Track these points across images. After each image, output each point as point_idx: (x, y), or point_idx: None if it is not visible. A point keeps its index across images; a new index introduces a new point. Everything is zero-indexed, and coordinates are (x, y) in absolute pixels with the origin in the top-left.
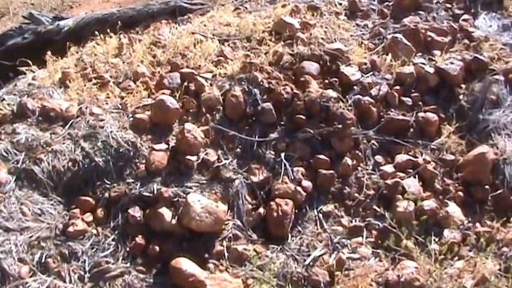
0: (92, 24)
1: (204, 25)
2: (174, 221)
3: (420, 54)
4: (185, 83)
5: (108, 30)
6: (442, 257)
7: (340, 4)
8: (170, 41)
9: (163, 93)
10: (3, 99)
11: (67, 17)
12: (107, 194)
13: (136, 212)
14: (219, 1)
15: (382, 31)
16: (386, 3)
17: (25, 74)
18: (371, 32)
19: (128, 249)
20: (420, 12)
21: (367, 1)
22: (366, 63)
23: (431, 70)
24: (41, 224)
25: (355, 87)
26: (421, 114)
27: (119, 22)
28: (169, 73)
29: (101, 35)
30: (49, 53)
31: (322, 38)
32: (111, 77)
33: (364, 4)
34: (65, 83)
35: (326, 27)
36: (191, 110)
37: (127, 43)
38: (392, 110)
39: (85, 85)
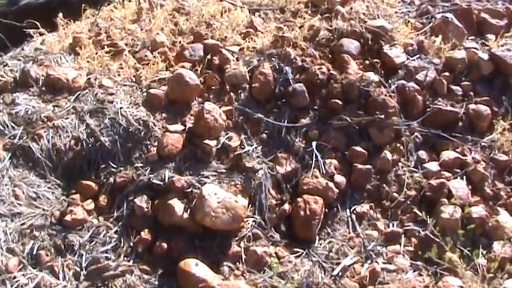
0: None
1: None
2: (186, 215)
3: (472, 37)
4: (208, 56)
5: None
6: (491, 275)
7: None
8: (195, 8)
9: (183, 67)
10: (6, 64)
11: None
12: (111, 179)
13: (143, 202)
14: None
15: (430, 9)
16: None
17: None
18: (418, 9)
19: (131, 244)
20: None
21: None
22: (412, 45)
23: (485, 56)
24: (35, 209)
25: (399, 71)
26: (471, 106)
27: None
28: (191, 44)
29: None
30: (60, 15)
31: (363, 14)
32: (126, 45)
33: None
34: (75, 49)
35: (368, 2)
36: (213, 87)
37: (147, 8)
38: (439, 99)
39: (97, 53)
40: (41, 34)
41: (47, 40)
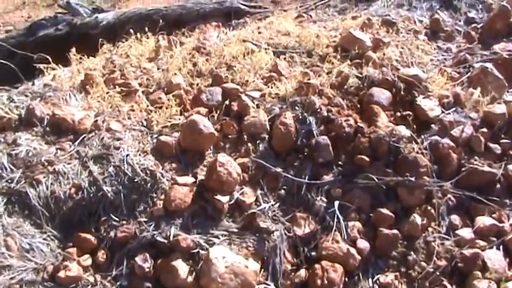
0: (133, 20)
1: (259, 32)
2: (190, 279)
3: None
4: (227, 101)
5: (147, 29)
6: None
7: (421, 22)
8: (216, 48)
9: (199, 112)
10: (13, 100)
11: (107, 10)
12: (112, 233)
13: (145, 261)
14: (282, 6)
15: (468, 58)
16: (475, 24)
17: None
18: (455, 57)
19: None
20: None
21: (451, 21)
22: (447, 97)
23: None
24: (27, 263)
25: (432, 125)
26: (511, 167)
27: (162, 21)
28: (209, 87)
29: (138, 34)
30: (74, 50)
31: (396, 60)
32: (140, 85)
33: (448, 24)
34: (86, 87)
35: (402, 48)
36: (230, 136)
37: (165, 46)
38: (476, 158)
39: (108, 92)
40: (53, 69)
41: (58, 76)
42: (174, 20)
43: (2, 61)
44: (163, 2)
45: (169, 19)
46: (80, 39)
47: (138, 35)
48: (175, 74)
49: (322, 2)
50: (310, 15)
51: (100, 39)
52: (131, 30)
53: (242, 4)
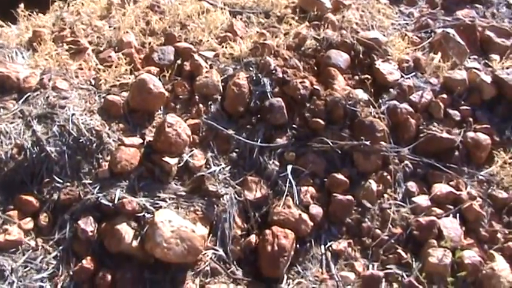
0: None
1: None
2: (135, 243)
3: (475, 57)
4: (179, 61)
5: None
6: None
7: None
8: (170, 7)
9: (149, 71)
10: None
11: None
12: (55, 196)
13: (89, 224)
14: None
15: (430, 23)
16: None
17: None
18: (417, 22)
19: (71, 272)
20: (477, 5)
21: None
22: (407, 61)
23: (488, 79)
24: None
25: (391, 89)
26: (470, 133)
27: None
28: (161, 46)
29: None
30: (22, 5)
31: (356, 23)
32: (90, 43)
33: None
34: (33, 45)
35: (363, 11)
36: (181, 97)
37: (118, 3)
38: (435, 124)
39: (56, 50)
40: (0, 26)
41: (4, 32)
42: None
43: None
44: None
45: None
46: None
47: None
48: (126, 32)
49: None
50: None
51: None
52: None
53: None
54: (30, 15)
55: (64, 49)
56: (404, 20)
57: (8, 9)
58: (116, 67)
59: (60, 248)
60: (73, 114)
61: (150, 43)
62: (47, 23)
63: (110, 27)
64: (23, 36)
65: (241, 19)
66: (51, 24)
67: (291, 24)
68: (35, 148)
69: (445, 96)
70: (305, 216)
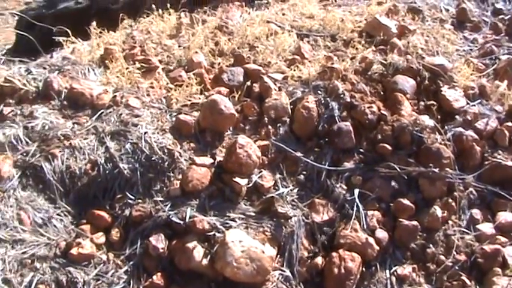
0: None
1: (283, 14)
2: (205, 261)
3: None
4: (248, 82)
5: (169, 5)
6: None
7: (447, 10)
8: (239, 28)
9: (219, 92)
10: (30, 72)
11: None
12: (127, 212)
13: (160, 241)
14: None
15: (494, 49)
16: (502, 16)
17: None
18: (481, 48)
19: None
20: None
21: (478, 11)
22: (473, 88)
23: None
24: (39, 238)
25: (457, 116)
26: None
27: None
28: (231, 67)
29: (160, 10)
30: (94, 23)
31: (421, 49)
32: (161, 62)
33: (475, 14)
34: (105, 62)
35: (428, 36)
36: (250, 118)
37: (187, 23)
38: (499, 152)
39: (128, 68)
40: (72, 42)
41: (77, 49)
42: None
43: (21, 33)
44: None
45: None
46: (100, 13)
47: (160, 11)
48: (196, 52)
49: None
50: None
51: (121, 14)
52: (153, 6)
53: None
54: (101, 32)
55: (135, 67)
56: (469, 46)
57: (79, 27)
58: (186, 86)
59: (131, 263)
60: (145, 133)
61: (219, 63)
62: (117, 41)
63: (179, 46)
64: (94, 53)
65: (308, 42)
66: (122, 42)
67: (357, 49)
68: (108, 164)
69: (510, 124)
70: (371, 240)
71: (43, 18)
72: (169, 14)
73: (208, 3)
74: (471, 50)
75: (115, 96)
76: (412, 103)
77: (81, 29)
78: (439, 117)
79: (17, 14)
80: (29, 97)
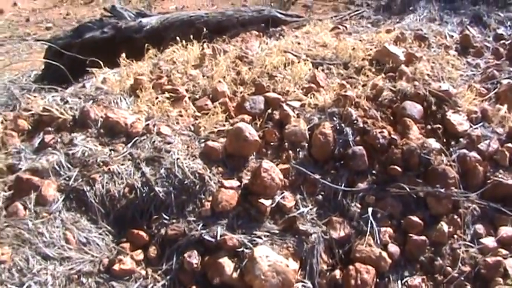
0: (176, 25)
1: (298, 43)
2: (235, 275)
3: None
4: (269, 110)
5: (192, 36)
6: None
7: (451, 37)
8: (258, 58)
9: (243, 119)
10: (67, 101)
11: (151, 15)
12: (163, 231)
13: (193, 257)
14: (316, 15)
15: (496, 74)
16: (503, 41)
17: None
18: (483, 73)
19: None
20: None
21: (481, 37)
22: (476, 112)
23: None
24: (84, 255)
25: (461, 139)
26: None
27: (204, 27)
28: (252, 96)
29: (183, 41)
30: (123, 55)
31: (428, 75)
32: (187, 91)
33: (478, 40)
34: (135, 91)
35: (433, 62)
36: (272, 143)
37: (210, 54)
38: (501, 171)
39: (157, 97)
40: (100, 68)
41: (108, 79)
42: (214, 27)
43: (51, 61)
44: (198, 2)
45: (210, 25)
46: (124, 42)
47: (183, 42)
48: (219, 81)
49: (356, 13)
50: (346, 27)
51: (145, 44)
52: (177, 38)
53: (279, 13)
54: (130, 63)
55: (164, 96)
56: (472, 70)
57: (105, 55)
58: (212, 115)
59: (168, 277)
60: (178, 158)
61: (241, 92)
62: (145, 71)
63: (203, 76)
64: (124, 82)
65: (322, 70)
66: (149, 72)
67: (368, 76)
68: (145, 188)
69: (510, 145)
70: (384, 254)
71: (70, 47)
72: (192, 45)
73: (225, 31)
74: (474, 75)
75: (147, 124)
76: (420, 127)
77: (107, 58)
78: (444, 140)
79: (45, 43)
80: (66, 125)
